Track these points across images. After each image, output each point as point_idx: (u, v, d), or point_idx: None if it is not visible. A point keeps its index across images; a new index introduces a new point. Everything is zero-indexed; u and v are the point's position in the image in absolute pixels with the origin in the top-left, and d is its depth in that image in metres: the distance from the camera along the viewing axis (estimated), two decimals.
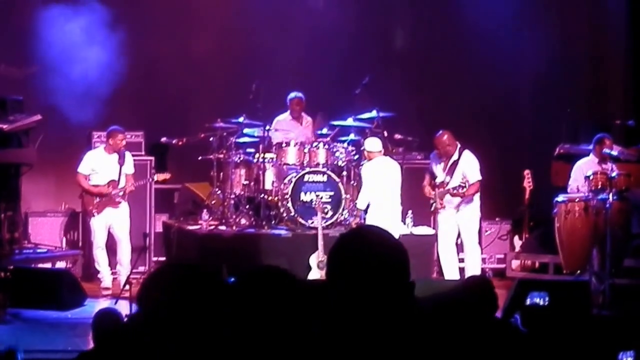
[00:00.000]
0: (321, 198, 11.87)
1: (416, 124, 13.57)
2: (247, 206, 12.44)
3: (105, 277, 11.90)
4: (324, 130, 12.95)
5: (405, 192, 11.78)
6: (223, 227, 12.15)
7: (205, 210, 12.49)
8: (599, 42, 15.13)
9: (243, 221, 12.23)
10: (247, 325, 3.10)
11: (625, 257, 11.47)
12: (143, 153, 13.20)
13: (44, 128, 12.46)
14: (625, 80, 14.98)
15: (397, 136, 13.02)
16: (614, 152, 11.51)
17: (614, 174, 10.95)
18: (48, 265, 12.21)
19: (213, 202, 12.65)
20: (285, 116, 13.25)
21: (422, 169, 12.20)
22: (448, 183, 11.38)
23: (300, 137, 12.91)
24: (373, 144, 11.73)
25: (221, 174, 12.70)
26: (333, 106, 13.08)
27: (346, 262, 2.93)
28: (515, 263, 12.91)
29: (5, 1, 13.58)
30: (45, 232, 13.06)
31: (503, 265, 13.06)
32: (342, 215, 12.10)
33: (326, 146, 12.42)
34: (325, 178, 12.11)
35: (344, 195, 12.04)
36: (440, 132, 11.54)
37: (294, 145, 12.42)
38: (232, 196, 12.44)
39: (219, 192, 12.61)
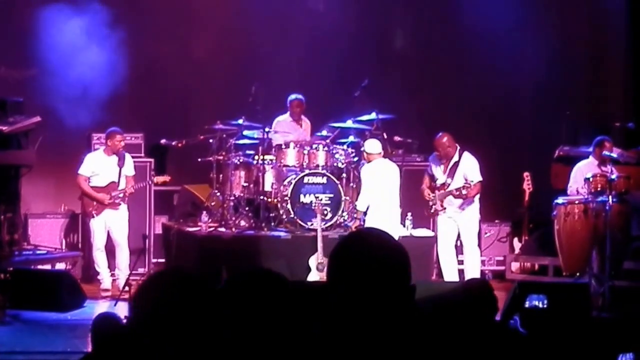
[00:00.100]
0: (320, 200, 11.87)
1: (416, 126, 13.57)
2: (247, 208, 12.44)
3: (105, 278, 11.90)
4: (324, 132, 12.94)
5: (405, 194, 11.78)
6: (222, 229, 12.14)
7: (204, 212, 12.49)
8: (599, 44, 15.13)
9: (242, 223, 12.23)
10: (241, 329, 3.11)
11: (624, 259, 11.48)
12: (143, 155, 13.21)
13: (44, 130, 12.46)
14: (625, 83, 14.99)
15: (397, 138, 13.02)
16: (614, 155, 11.52)
17: (613, 177, 10.95)
18: (48, 266, 12.21)
19: (212, 203, 12.65)
20: (285, 117, 13.24)
21: (421, 171, 12.20)
22: (449, 185, 11.38)
23: (300, 139, 12.92)
24: (372, 145, 11.73)
25: (220, 175, 12.69)
26: (332, 108, 13.07)
27: (347, 265, 2.93)
28: (514, 265, 12.91)
29: (5, 3, 13.58)
30: (44, 234, 13.05)
31: (502, 268, 13.06)
32: (341, 217, 12.10)
33: (326, 148, 12.41)
34: (324, 180, 12.11)
35: (343, 197, 12.04)
36: (440, 134, 11.54)
37: (294, 147, 12.41)
38: (232, 198, 12.44)
39: (219, 193, 12.61)
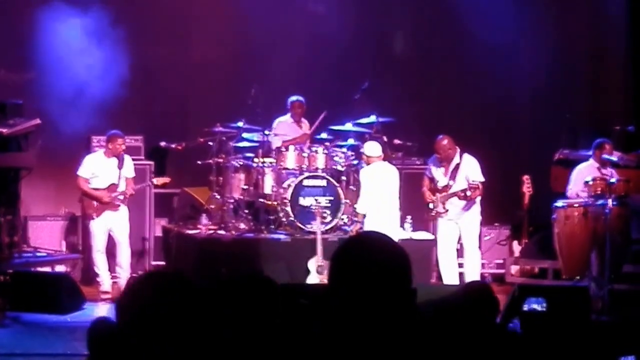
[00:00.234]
0: (320, 203, 11.88)
1: (415, 129, 13.58)
2: (246, 211, 12.44)
3: (105, 280, 11.89)
4: (324, 135, 12.95)
5: (404, 197, 11.78)
6: (222, 232, 12.14)
7: (204, 215, 12.50)
8: (599, 47, 15.14)
9: (242, 226, 12.23)
10: (231, 330, 3.11)
11: (624, 262, 11.47)
12: (143, 157, 13.21)
13: (44, 132, 12.46)
14: (625, 86, 14.99)
15: (396, 141, 13.02)
16: (614, 158, 11.52)
17: (613, 180, 10.96)
18: (47, 269, 12.22)
19: (212, 206, 12.66)
20: (285, 119, 13.25)
21: (421, 174, 12.18)
22: (451, 187, 11.38)
23: (299, 140, 12.93)
24: (372, 148, 11.74)
25: (220, 178, 12.69)
26: (332, 111, 13.08)
27: (348, 268, 2.93)
28: (514, 268, 12.90)
29: (4, 6, 13.58)
30: (44, 236, 13.06)
31: (502, 271, 13.05)
32: (341, 220, 12.10)
33: (325, 151, 12.42)
34: (324, 183, 12.11)
35: (343, 200, 12.04)
36: (441, 136, 11.53)
37: (293, 150, 12.42)
38: (231, 200, 12.44)
39: (218, 196, 12.61)
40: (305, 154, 12.39)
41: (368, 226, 11.35)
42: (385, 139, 12.53)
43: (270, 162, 12.47)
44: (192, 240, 12.21)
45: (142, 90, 13.63)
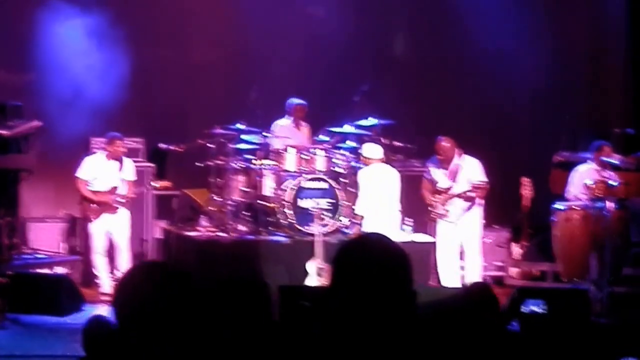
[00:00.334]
0: (320, 205, 11.87)
1: (415, 131, 13.57)
2: (246, 212, 12.43)
3: (104, 282, 11.89)
4: (324, 137, 12.94)
5: (404, 199, 11.78)
6: (221, 234, 12.13)
7: (203, 217, 12.49)
8: (598, 49, 15.15)
9: (241, 227, 12.22)
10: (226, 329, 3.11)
11: (624, 265, 11.47)
12: (142, 160, 13.21)
13: (43, 134, 12.46)
14: (624, 88, 14.99)
15: (396, 143, 13.02)
16: (614, 161, 11.52)
17: (613, 183, 10.96)
18: (47, 270, 12.20)
19: (212, 208, 12.65)
20: (286, 122, 13.24)
21: (420, 176, 12.19)
22: (452, 188, 11.37)
23: (299, 143, 12.92)
24: (371, 150, 11.73)
25: (220, 180, 12.68)
26: (332, 113, 13.07)
27: (348, 269, 2.94)
28: (514, 271, 12.88)
29: (4, 8, 13.58)
30: (44, 238, 13.04)
31: (502, 273, 13.04)
32: (340, 222, 12.09)
33: (325, 153, 12.42)
34: (324, 185, 12.10)
35: (342, 202, 12.04)
36: (442, 138, 11.53)
37: (293, 152, 12.41)
38: (231, 202, 12.43)
39: (218, 198, 12.60)
40: (305, 156, 12.38)
41: (367, 228, 11.34)
42: (385, 141, 12.52)
43: (270, 164, 12.46)
44: (192, 242, 12.20)
45: (141, 92, 13.63)
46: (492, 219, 13.13)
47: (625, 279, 11.43)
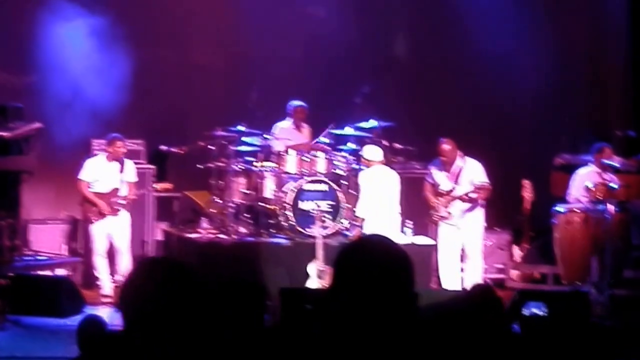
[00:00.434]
0: (320, 207, 11.87)
1: (415, 133, 13.57)
2: (247, 215, 12.42)
3: (105, 284, 11.89)
4: (324, 139, 12.94)
5: (404, 201, 11.78)
6: (222, 236, 12.13)
7: (204, 219, 12.48)
8: (599, 51, 15.15)
9: (242, 229, 12.21)
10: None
11: (624, 268, 11.48)
12: (143, 162, 13.21)
13: (44, 135, 12.46)
14: (625, 90, 14.99)
15: (397, 145, 13.02)
16: (615, 163, 11.52)
17: (614, 185, 10.96)
18: (48, 272, 12.21)
19: (213, 210, 12.65)
20: (287, 124, 13.24)
21: (421, 178, 12.18)
22: (454, 190, 11.38)
23: (300, 145, 12.94)
24: (372, 152, 11.73)
25: (221, 182, 12.68)
26: (332, 115, 13.07)
27: (349, 271, 2.93)
28: (515, 273, 12.89)
29: (4, 10, 13.58)
30: (45, 240, 13.03)
31: (503, 276, 13.04)
32: (341, 224, 12.09)
33: (326, 155, 12.42)
34: (324, 187, 12.10)
35: (343, 205, 12.03)
36: (444, 140, 11.53)
37: (294, 154, 12.41)
38: (232, 204, 12.43)
39: (219, 200, 12.60)
40: (305, 158, 12.38)
41: (367, 230, 11.34)
42: (385, 143, 12.52)
43: (271, 166, 12.46)
44: (193, 244, 12.20)
45: (142, 94, 13.62)
46: (493, 221, 13.12)
47: (626, 282, 11.44)
